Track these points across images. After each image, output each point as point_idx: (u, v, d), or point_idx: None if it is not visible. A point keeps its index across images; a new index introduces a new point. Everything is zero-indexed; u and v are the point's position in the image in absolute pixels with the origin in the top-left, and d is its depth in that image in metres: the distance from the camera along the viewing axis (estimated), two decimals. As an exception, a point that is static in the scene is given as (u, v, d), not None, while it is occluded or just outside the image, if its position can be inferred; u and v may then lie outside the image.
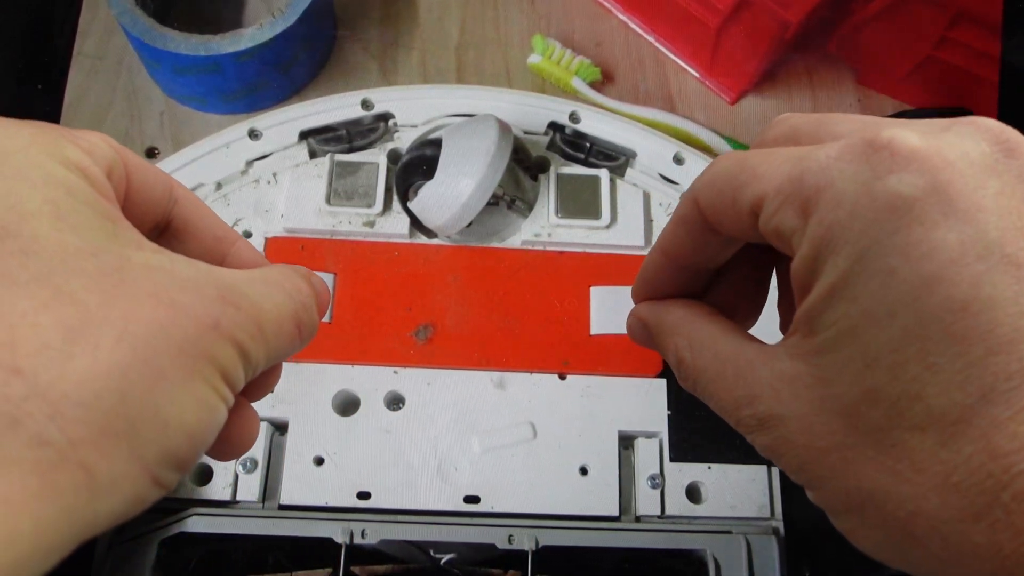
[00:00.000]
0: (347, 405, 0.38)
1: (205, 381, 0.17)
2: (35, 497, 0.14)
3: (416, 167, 0.40)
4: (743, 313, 0.25)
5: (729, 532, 0.36)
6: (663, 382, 0.39)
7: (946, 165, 0.17)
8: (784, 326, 0.24)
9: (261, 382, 0.23)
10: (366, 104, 0.43)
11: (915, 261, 0.16)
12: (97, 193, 0.18)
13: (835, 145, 0.18)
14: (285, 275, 0.22)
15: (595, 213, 0.42)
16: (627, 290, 0.39)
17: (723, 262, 0.24)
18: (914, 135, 0.17)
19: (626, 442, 0.38)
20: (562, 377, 0.39)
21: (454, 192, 0.38)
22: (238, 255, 0.24)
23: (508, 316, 0.39)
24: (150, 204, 0.21)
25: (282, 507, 0.36)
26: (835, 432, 0.18)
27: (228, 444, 0.21)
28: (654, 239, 0.42)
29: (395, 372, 0.38)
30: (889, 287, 0.17)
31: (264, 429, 0.37)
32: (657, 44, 0.55)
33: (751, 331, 0.23)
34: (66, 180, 0.17)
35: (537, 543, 0.34)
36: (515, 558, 0.35)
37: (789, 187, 0.18)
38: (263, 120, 0.43)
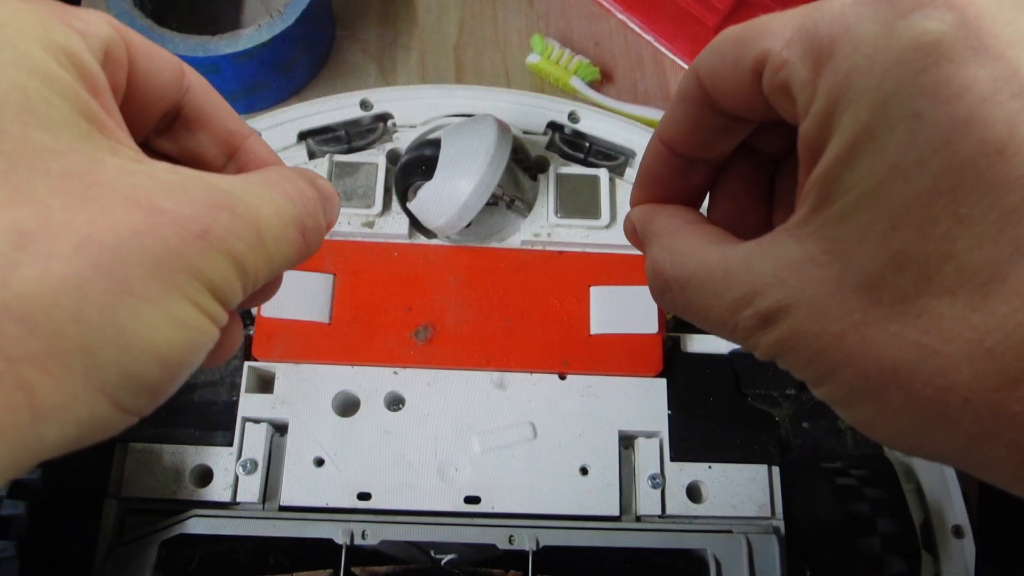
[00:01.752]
0: (347, 406, 0.38)
1: (186, 298, 0.16)
2: None
3: (415, 167, 0.40)
4: (749, 230, 0.22)
5: (730, 532, 0.36)
6: (663, 382, 0.39)
7: (973, 0, 0.15)
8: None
9: (260, 291, 0.21)
10: (365, 104, 0.43)
11: (944, 102, 0.15)
12: (80, 84, 0.16)
13: None
14: (287, 176, 0.20)
15: (594, 213, 0.41)
16: (627, 290, 0.40)
17: (724, 154, 0.22)
18: None
19: (626, 442, 0.38)
20: (562, 377, 0.39)
21: (453, 192, 0.38)
22: (251, 150, 0.22)
23: (508, 316, 0.39)
24: (157, 91, 0.20)
25: (282, 508, 0.36)
26: (853, 311, 0.16)
27: (210, 353, 0.19)
28: (654, 239, 0.42)
29: (395, 373, 0.38)
30: (917, 133, 0.15)
31: (264, 430, 0.37)
32: (656, 43, 0.55)
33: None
34: (44, 66, 0.15)
35: (538, 543, 0.34)
36: (516, 558, 0.35)
37: (799, 37, 0.17)
38: (262, 121, 0.43)
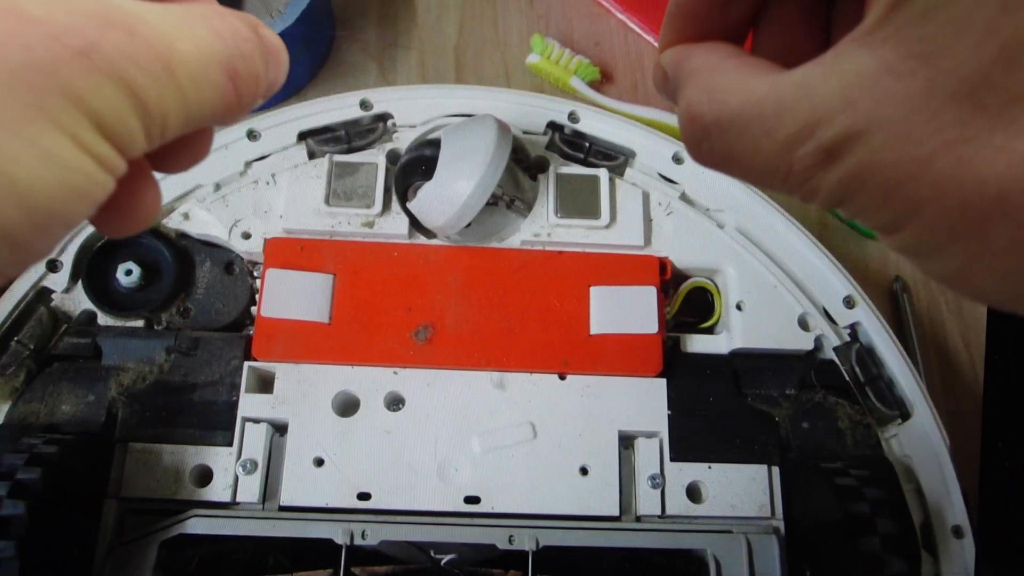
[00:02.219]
0: (347, 406, 0.38)
1: (60, 129, 0.13)
2: None
3: (415, 167, 0.40)
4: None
5: (729, 532, 0.36)
6: (663, 382, 0.39)
7: None
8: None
9: (181, 147, 0.18)
10: (365, 104, 0.43)
11: None
12: None
13: None
14: (219, 12, 0.16)
15: (594, 213, 0.41)
16: (627, 290, 0.40)
17: None
18: None
19: (626, 442, 0.38)
20: (562, 377, 0.39)
21: (453, 192, 0.38)
22: None
23: (508, 316, 0.39)
24: None
25: (282, 508, 0.36)
26: (946, 126, 0.13)
27: (116, 216, 0.16)
28: (654, 238, 0.42)
29: (395, 373, 0.38)
30: None
31: (264, 430, 0.37)
32: (656, 43, 0.55)
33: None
34: None
35: (538, 543, 0.34)
36: (516, 558, 0.35)
37: None
38: (262, 121, 0.43)
